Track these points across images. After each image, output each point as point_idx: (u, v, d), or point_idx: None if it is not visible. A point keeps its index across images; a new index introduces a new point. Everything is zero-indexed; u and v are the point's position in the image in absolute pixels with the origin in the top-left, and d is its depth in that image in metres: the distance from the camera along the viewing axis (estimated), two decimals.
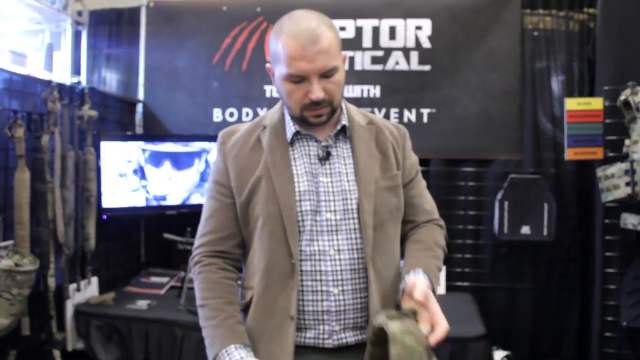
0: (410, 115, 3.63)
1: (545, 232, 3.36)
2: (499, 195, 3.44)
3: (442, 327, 1.28)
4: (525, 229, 3.39)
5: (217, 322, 1.47)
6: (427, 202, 1.69)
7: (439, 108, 3.62)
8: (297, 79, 1.42)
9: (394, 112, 3.63)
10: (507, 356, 3.21)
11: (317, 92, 1.42)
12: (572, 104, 3.11)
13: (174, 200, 3.52)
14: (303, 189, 1.50)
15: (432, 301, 1.32)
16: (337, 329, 1.48)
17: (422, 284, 1.36)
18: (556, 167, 3.53)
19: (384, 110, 3.64)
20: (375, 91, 3.66)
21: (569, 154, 3.12)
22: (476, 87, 3.58)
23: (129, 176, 3.40)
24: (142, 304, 3.15)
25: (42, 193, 2.81)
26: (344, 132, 1.57)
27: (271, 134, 1.56)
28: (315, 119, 1.48)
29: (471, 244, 3.63)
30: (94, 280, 3.30)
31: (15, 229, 2.65)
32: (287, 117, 1.56)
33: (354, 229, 1.50)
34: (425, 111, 3.62)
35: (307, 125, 1.53)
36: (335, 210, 1.50)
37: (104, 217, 3.32)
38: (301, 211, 1.49)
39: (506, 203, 3.40)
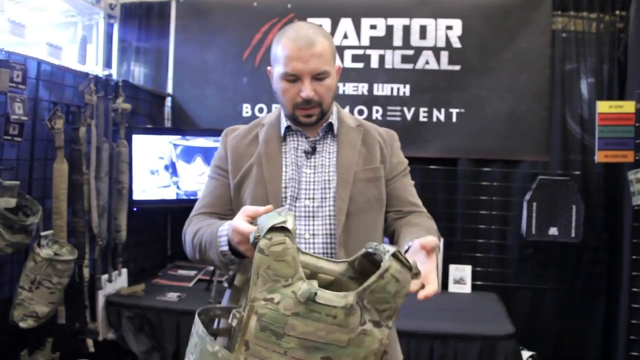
0: (439, 115, 3.64)
1: (573, 234, 3.37)
2: (527, 196, 3.45)
3: (433, 287, 1.24)
4: (553, 230, 3.40)
5: (207, 226, 1.53)
6: (413, 196, 1.77)
7: (468, 108, 3.63)
8: (292, 77, 1.58)
9: (422, 111, 3.64)
10: (532, 356, 3.22)
11: (307, 90, 1.58)
12: (604, 106, 3.11)
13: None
14: (288, 177, 1.65)
15: (433, 259, 1.30)
16: None
17: (432, 239, 1.33)
18: (584, 169, 3.54)
19: (413, 110, 3.65)
20: (404, 90, 3.67)
21: (600, 157, 3.13)
22: (505, 88, 3.59)
23: (160, 172, 3.44)
24: (172, 296, 3.19)
25: (78, 184, 2.84)
26: (332, 132, 1.72)
27: (268, 130, 1.72)
28: (305, 118, 1.64)
29: (497, 244, 3.64)
30: (124, 271, 3.33)
31: (53, 219, 2.69)
32: (283, 117, 1.71)
33: (329, 216, 1.62)
34: (454, 111, 3.63)
35: (298, 124, 1.69)
36: (313, 198, 1.64)
37: (134, 209, 3.36)
38: (285, 197, 1.63)
39: (534, 204, 3.41)
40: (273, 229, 1.15)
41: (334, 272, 1.32)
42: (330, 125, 1.72)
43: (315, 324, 1.14)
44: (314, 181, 1.66)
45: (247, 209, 1.35)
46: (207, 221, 1.62)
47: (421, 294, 1.22)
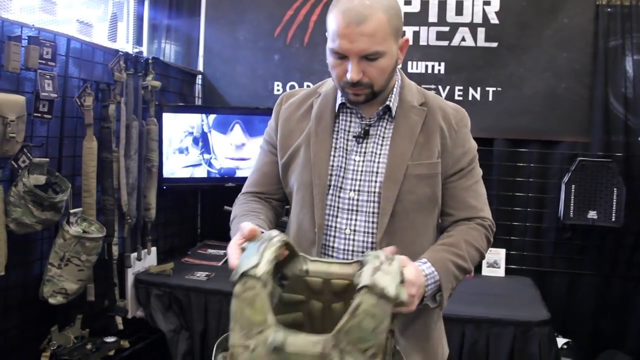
0: (475, 94, 3.52)
1: (613, 218, 3.25)
2: (566, 178, 3.33)
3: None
4: (592, 214, 3.28)
5: (239, 219, 1.47)
6: (474, 197, 1.59)
7: (505, 87, 3.50)
8: (339, 55, 1.40)
9: (458, 89, 3.54)
10: (567, 343, 3.13)
11: (353, 73, 1.39)
12: None
13: (240, 173, 3.54)
14: (335, 164, 1.53)
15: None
16: None
17: (408, 274, 1.25)
18: (626, 151, 3.39)
19: (448, 88, 3.54)
20: (440, 68, 3.56)
21: None
22: (544, 66, 3.45)
23: (190, 150, 3.42)
24: (200, 275, 3.18)
25: (108, 162, 2.84)
26: (390, 113, 1.54)
27: (322, 103, 1.58)
28: (354, 97, 1.46)
29: (533, 227, 3.54)
30: (153, 250, 3.33)
31: (82, 196, 2.69)
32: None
33: (373, 212, 1.50)
34: (490, 90, 3.51)
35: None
36: (359, 190, 1.51)
37: (164, 187, 3.35)
38: (330, 185, 1.52)
39: (573, 186, 3.30)
40: (244, 274, 1.09)
41: (347, 275, 1.23)
42: (388, 107, 1.53)
43: None
44: (361, 171, 1.52)
45: (244, 230, 1.24)
46: (244, 210, 1.55)
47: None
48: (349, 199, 1.51)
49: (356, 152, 1.53)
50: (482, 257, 1.56)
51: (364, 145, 1.53)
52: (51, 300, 2.49)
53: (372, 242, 1.50)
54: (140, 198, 3.13)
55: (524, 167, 3.53)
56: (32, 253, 2.61)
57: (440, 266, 1.39)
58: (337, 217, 1.52)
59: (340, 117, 1.56)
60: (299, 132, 1.58)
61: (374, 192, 1.50)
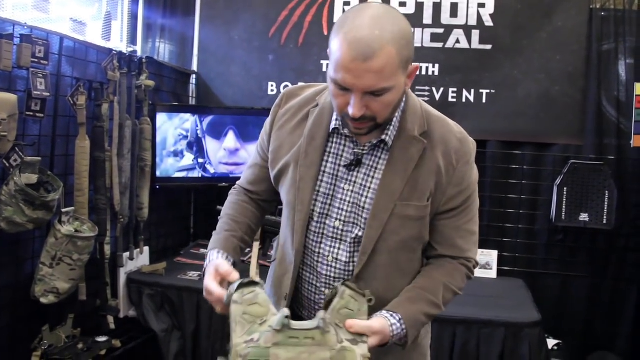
0: (468, 96, 3.53)
1: (604, 220, 3.27)
2: (558, 181, 3.35)
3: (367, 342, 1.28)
4: (584, 216, 3.29)
5: (218, 232, 1.58)
6: (463, 237, 1.51)
7: (499, 89, 3.52)
8: (341, 87, 1.29)
9: (452, 91, 3.54)
10: (557, 345, 3.14)
11: (355, 109, 1.28)
12: None
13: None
14: (322, 191, 1.48)
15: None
16: None
17: (374, 324, 1.31)
18: (618, 154, 3.41)
19: (442, 90, 3.55)
20: (434, 69, 3.57)
21: (636, 141, 3.03)
22: (538, 69, 3.47)
23: (185, 154, 3.42)
24: (193, 274, 3.18)
25: (100, 161, 2.83)
26: (385, 142, 1.43)
27: (317, 118, 1.50)
28: (355, 130, 1.36)
29: (525, 229, 3.55)
30: (146, 249, 3.33)
31: (75, 196, 2.68)
32: None
33: (355, 244, 1.46)
34: (484, 92, 3.53)
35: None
36: (344, 221, 1.47)
37: (157, 187, 3.35)
38: (315, 211, 1.49)
39: (565, 189, 3.31)
40: (242, 285, 1.26)
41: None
42: (384, 140, 1.43)
43: (296, 349, 1.20)
44: (349, 202, 1.45)
45: (220, 269, 1.37)
46: (228, 217, 1.63)
47: (351, 323, 1.26)
48: (334, 227, 1.47)
49: (346, 180, 1.46)
50: (457, 294, 1.54)
51: (354, 174, 1.46)
52: (43, 300, 2.48)
53: (352, 271, 1.48)
54: (133, 197, 3.12)
55: (517, 169, 3.55)
56: (24, 252, 2.60)
57: (410, 322, 1.39)
58: (321, 243, 1.50)
59: (334, 139, 1.48)
60: (290, 146, 1.52)
61: (359, 226, 1.45)
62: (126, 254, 3.11)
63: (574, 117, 3.45)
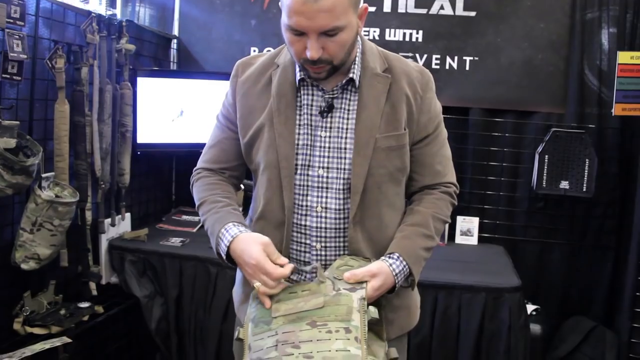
0: (452, 63, 3.51)
1: (584, 188, 3.30)
2: (540, 148, 3.37)
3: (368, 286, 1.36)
4: (564, 184, 3.33)
5: (215, 210, 1.52)
6: (440, 162, 1.60)
7: (482, 56, 3.50)
8: (296, 32, 1.35)
9: (435, 58, 3.52)
10: (535, 310, 3.20)
11: (312, 51, 1.35)
12: (625, 57, 3.00)
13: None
14: (301, 143, 1.49)
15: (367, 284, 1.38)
16: None
17: (371, 267, 1.41)
18: (599, 123, 3.42)
19: (425, 56, 3.52)
20: (417, 36, 3.54)
21: (617, 110, 3.03)
22: (522, 36, 3.45)
23: (165, 114, 3.37)
24: (175, 241, 3.17)
25: (80, 126, 2.78)
26: (353, 83, 1.50)
27: (281, 77, 1.52)
28: (315, 74, 1.43)
29: (506, 197, 3.58)
30: (127, 216, 3.30)
31: (55, 161, 2.64)
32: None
33: (344, 189, 1.48)
34: (467, 59, 3.51)
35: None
36: (327, 167, 1.49)
37: (138, 153, 3.31)
38: (297, 164, 1.50)
39: (546, 156, 3.33)
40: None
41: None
42: (351, 79, 1.49)
43: (294, 301, 1.33)
44: (329, 147, 1.49)
45: (272, 253, 1.39)
46: (215, 196, 1.56)
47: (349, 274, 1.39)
48: (318, 176, 1.49)
49: (322, 127, 1.50)
50: (445, 223, 1.61)
51: (329, 120, 1.50)
52: (23, 266, 2.46)
53: (344, 218, 1.50)
54: (114, 163, 3.09)
55: (498, 137, 3.56)
56: (3, 218, 2.56)
57: (411, 258, 1.46)
58: (307, 195, 1.51)
59: (302, 92, 1.52)
60: (260, 110, 1.53)
61: (344, 169, 1.48)
62: (107, 220, 3.08)
63: (557, 85, 3.46)
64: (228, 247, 1.42)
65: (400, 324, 1.61)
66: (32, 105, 2.62)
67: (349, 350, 1.20)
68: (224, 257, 1.45)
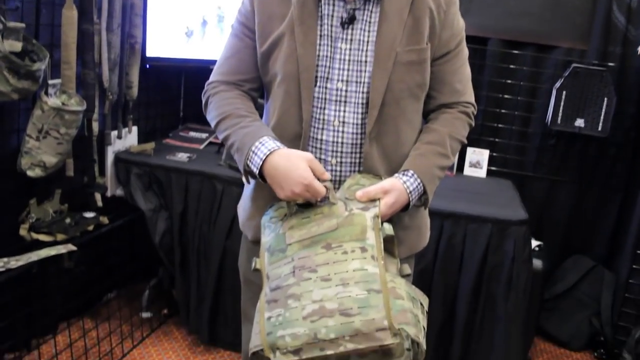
0: None
1: (599, 127, 3.24)
2: (558, 84, 3.28)
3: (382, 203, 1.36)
4: (580, 122, 3.26)
5: (244, 124, 1.47)
6: (460, 81, 1.57)
7: None
8: None
9: None
10: (538, 246, 3.21)
11: None
12: None
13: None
14: (322, 54, 1.44)
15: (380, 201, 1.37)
16: None
17: (384, 183, 1.40)
18: (622, 62, 3.31)
19: None
20: None
21: None
22: None
23: (177, 28, 3.28)
24: (182, 156, 3.14)
25: (88, 34, 2.70)
26: None
27: None
28: None
29: (518, 131, 3.52)
30: (134, 129, 3.27)
31: (62, 68, 2.57)
32: None
33: (362, 104, 1.45)
34: None
35: None
36: (346, 81, 1.46)
37: (147, 66, 3.23)
38: (316, 76, 1.46)
39: (564, 92, 3.25)
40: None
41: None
42: None
43: (308, 226, 1.32)
44: (349, 60, 1.45)
45: (317, 169, 1.37)
46: (240, 110, 1.49)
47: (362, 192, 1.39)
48: (337, 89, 1.46)
49: (342, 39, 1.45)
50: (462, 144, 1.60)
51: (350, 32, 1.45)
52: (29, 173, 2.44)
53: (362, 134, 1.47)
54: (122, 75, 3.02)
55: (516, 70, 3.46)
56: (9, 124, 2.54)
57: (425, 176, 1.44)
58: (324, 109, 1.47)
59: (323, 1, 1.46)
60: (280, 18, 1.47)
61: (363, 82, 1.45)
62: (114, 133, 3.05)
63: (581, 20, 3.33)
64: (264, 161, 1.37)
65: (410, 244, 1.61)
66: (38, 8, 2.54)
67: (367, 269, 1.21)
68: (256, 171, 1.40)
